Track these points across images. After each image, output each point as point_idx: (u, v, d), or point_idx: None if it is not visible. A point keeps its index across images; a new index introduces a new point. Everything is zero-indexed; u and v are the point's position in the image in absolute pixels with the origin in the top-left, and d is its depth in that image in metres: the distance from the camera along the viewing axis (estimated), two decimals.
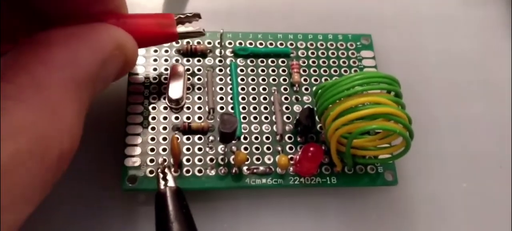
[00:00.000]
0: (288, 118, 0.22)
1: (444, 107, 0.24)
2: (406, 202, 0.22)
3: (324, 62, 0.23)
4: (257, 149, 0.21)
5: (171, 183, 0.19)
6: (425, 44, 0.26)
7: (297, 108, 0.22)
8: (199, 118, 0.21)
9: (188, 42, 0.23)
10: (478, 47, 0.26)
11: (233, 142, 0.21)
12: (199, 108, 0.22)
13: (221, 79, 0.22)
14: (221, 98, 0.22)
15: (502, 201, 0.22)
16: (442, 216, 0.22)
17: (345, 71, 0.23)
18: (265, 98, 0.22)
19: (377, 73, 0.20)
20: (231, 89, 0.22)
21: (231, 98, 0.22)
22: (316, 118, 0.21)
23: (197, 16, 0.20)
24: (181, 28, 0.20)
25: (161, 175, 0.19)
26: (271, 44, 0.23)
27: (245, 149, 0.21)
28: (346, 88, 0.19)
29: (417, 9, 0.27)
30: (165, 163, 0.20)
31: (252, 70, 0.23)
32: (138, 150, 0.20)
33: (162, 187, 0.19)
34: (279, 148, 0.21)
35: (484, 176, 0.23)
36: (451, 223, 0.22)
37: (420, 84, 0.24)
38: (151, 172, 0.20)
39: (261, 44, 0.23)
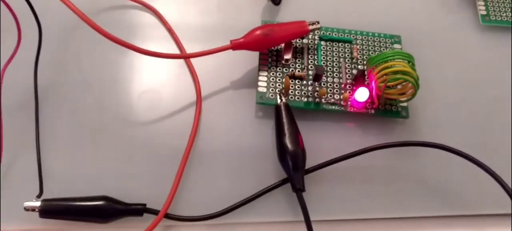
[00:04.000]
0: (348, 76, 0.38)
1: (436, 68, 0.40)
2: (416, 127, 0.38)
3: (371, 48, 0.40)
4: (330, 90, 0.37)
5: (284, 101, 0.36)
6: (424, 37, 0.42)
7: (354, 71, 0.38)
8: (298, 71, 0.38)
9: None
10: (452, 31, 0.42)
11: (317, 83, 0.37)
12: (299, 65, 0.38)
13: (311, 52, 0.39)
14: (311, 62, 0.38)
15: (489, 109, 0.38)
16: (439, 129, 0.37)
17: None
18: (336, 64, 0.38)
19: (401, 51, 0.36)
20: (316, 57, 0.39)
21: (317, 63, 0.38)
22: (366, 77, 0.37)
23: (317, 22, 0.37)
24: (310, 27, 0.37)
25: (278, 96, 0.36)
26: (341, 34, 0.40)
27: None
28: (383, 57, 0.35)
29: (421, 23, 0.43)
30: (281, 90, 0.37)
31: (330, 48, 0.39)
32: (265, 83, 0.37)
33: (279, 102, 0.35)
34: (343, 91, 0.37)
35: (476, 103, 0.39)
36: (446, 134, 0.37)
37: (427, 58, 0.40)
38: (272, 95, 0.36)
39: (335, 34, 0.40)
